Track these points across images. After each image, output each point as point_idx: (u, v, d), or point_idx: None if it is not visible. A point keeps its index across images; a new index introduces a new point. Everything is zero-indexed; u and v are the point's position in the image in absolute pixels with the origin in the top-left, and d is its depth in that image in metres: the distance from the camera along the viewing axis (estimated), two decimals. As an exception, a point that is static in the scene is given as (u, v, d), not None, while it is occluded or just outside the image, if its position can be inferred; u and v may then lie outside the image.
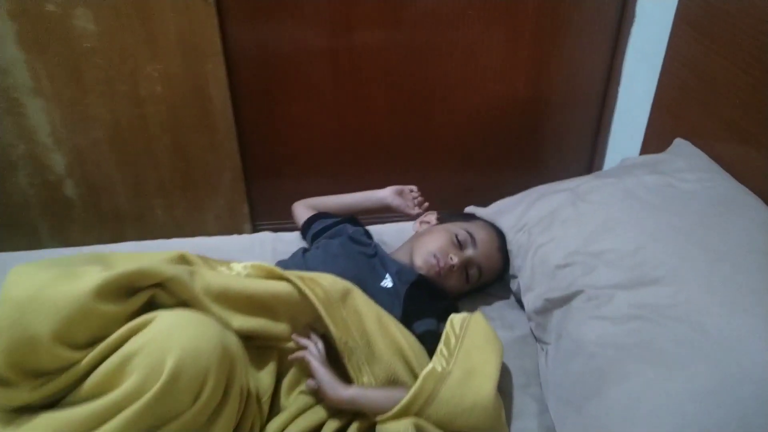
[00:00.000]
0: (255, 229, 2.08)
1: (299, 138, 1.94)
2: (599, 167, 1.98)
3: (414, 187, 1.43)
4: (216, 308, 0.88)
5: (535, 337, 1.14)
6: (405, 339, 1.00)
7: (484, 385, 0.93)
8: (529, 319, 1.15)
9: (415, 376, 0.96)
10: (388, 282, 1.17)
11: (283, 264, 1.20)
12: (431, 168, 2.04)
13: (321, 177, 2.01)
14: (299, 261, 1.19)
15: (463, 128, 1.96)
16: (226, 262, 1.03)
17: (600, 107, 1.94)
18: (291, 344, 0.97)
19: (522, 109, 1.93)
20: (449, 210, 1.39)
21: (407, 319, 1.09)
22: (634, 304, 0.93)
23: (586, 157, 2.05)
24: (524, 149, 2.03)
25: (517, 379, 1.06)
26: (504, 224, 1.28)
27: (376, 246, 1.26)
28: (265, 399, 0.93)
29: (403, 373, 0.97)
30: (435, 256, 1.18)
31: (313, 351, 0.95)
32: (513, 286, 1.24)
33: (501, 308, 1.25)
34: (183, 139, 1.85)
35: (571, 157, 2.06)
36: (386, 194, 1.40)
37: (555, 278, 1.10)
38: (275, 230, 2.04)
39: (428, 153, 2.01)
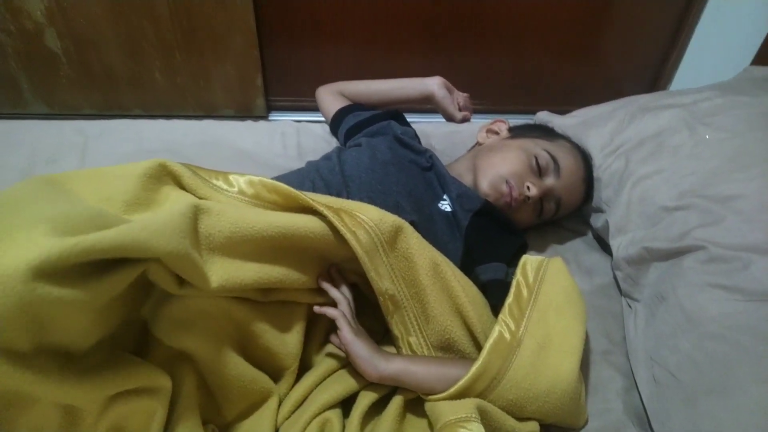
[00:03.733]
0: (269, 105, 1.81)
1: (325, -1, 1.60)
2: (678, 61, 1.64)
3: (466, 95, 1.16)
4: (221, 262, 0.63)
5: (620, 290, 0.94)
6: (465, 293, 0.78)
7: (565, 363, 0.73)
8: (616, 268, 0.93)
9: (476, 342, 0.77)
10: (446, 205, 0.94)
11: (314, 169, 0.95)
12: (479, 51, 1.72)
13: (347, 48, 1.69)
14: (335, 168, 0.94)
15: (520, 6, 1.61)
16: (223, 174, 0.77)
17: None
18: (317, 297, 0.76)
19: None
20: (521, 126, 1.11)
21: (469, 259, 0.88)
22: (781, 280, 0.71)
23: (662, 49, 1.72)
24: (588, 38, 1.69)
25: (596, 344, 0.86)
26: (591, 143, 1.02)
27: (432, 156, 1.00)
28: (292, 369, 0.74)
29: (461, 337, 0.77)
30: (508, 182, 0.93)
31: (345, 309, 0.74)
32: (596, 221, 1.01)
33: (576, 247, 1.03)
34: (187, -9, 1.51)
35: (644, 50, 1.73)
36: (434, 82, 1.12)
37: (661, 223, 0.87)
38: (292, 108, 1.78)
39: (476, 33, 1.68)
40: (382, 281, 0.72)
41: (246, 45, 1.65)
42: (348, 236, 0.69)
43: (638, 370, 0.81)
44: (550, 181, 0.96)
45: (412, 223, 0.87)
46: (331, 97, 1.18)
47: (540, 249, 1.02)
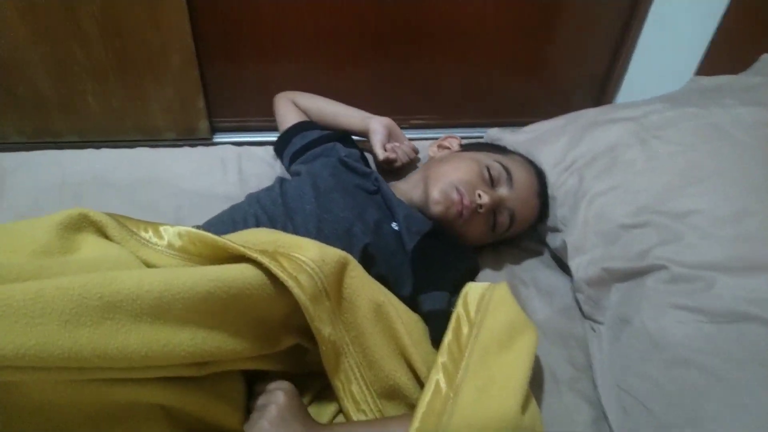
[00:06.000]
0: (213, 127, 1.73)
1: (267, 14, 1.53)
2: (623, 68, 1.64)
3: (411, 146, 1.13)
4: (150, 330, 0.53)
5: (582, 312, 0.90)
6: (409, 334, 0.72)
7: (505, 401, 0.66)
8: (577, 290, 0.90)
9: (420, 384, 0.71)
10: (395, 225, 0.89)
11: (255, 201, 0.89)
12: (426, 64, 1.68)
13: (292, 64, 1.63)
14: (277, 200, 0.88)
15: (468, 18, 1.59)
16: (153, 225, 0.68)
17: None
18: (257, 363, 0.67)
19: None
20: (472, 143, 1.07)
21: (415, 287, 0.83)
22: (745, 298, 0.69)
23: (607, 59, 1.73)
24: (535, 49, 1.68)
25: (560, 371, 0.82)
26: (544, 159, 0.99)
27: (378, 179, 0.95)
28: None
29: (406, 382, 0.71)
30: (458, 189, 0.89)
31: (279, 400, 0.65)
32: (553, 241, 0.98)
33: (534, 268, 0.99)
34: (115, 9, 1.42)
35: (591, 60, 1.73)
36: (378, 121, 1.09)
37: (619, 242, 0.84)
38: (238, 129, 1.70)
39: (423, 46, 1.64)
40: (325, 328, 0.66)
41: (184, 65, 1.56)
42: (290, 284, 0.61)
43: (607, 400, 0.77)
44: (503, 191, 0.92)
45: (366, 246, 0.82)
46: (286, 108, 1.16)
47: (496, 269, 0.98)
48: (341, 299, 0.69)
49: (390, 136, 1.09)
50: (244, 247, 0.63)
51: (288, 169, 1.06)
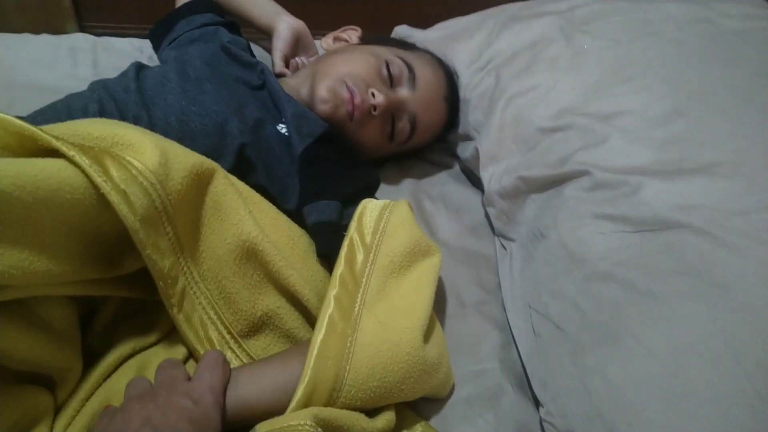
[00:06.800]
0: (83, 32, 1.47)
1: None
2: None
3: (309, 59, 0.93)
4: None
5: (492, 230, 0.80)
6: (282, 254, 0.59)
7: (409, 333, 0.55)
8: (488, 204, 0.79)
9: (300, 309, 0.60)
10: (284, 129, 0.74)
11: (102, 87, 0.71)
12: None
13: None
14: (130, 85, 0.70)
15: None
16: None
17: None
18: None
19: None
20: (376, 36, 0.92)
21: (301, 197, 0.70)
22: (673, 204, 0.60)
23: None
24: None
25: (467, 294, 0.72)
26: (457, 58, 0.87)
27: (264, 70, 0.79)
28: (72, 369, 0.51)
29: (275, 309, 0.59)
30: (348, 85, 0.75)
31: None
32: (464, 151, 0.86)
33: (442, 182, 0.87)
34: None
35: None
36: (287, 22, 0.90)
37: (538, 147, 0.73)
38: (115, 36, 1.47)
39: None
40: (162, 259, 0.50)
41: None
42: (112, 197, 0.45)
43: (516, 322, 0.68)
44: (402, 92, 0.79)
45: (241, 146, 0.67)
46: None
47: (399, 185, 0.86)
48: (197, 226, 0.54)
49: (297, 45, 0.92)
50: (58, 139, 0.46)
51: (160, 56, 0.88)
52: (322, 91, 0.75)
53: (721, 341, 0.51)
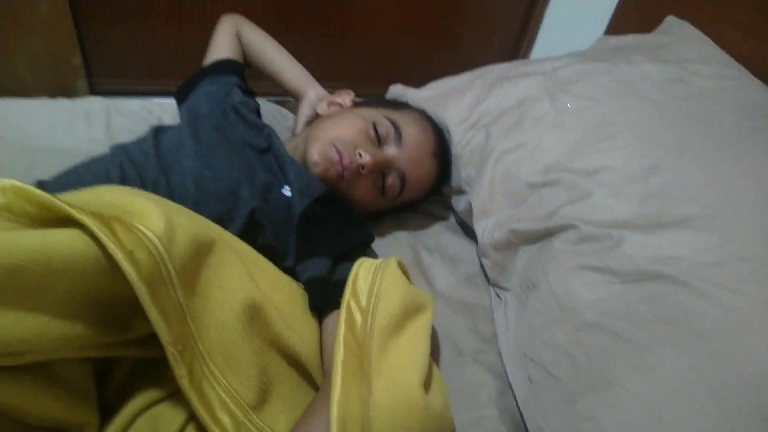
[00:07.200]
0: (93, 89, 1.53)
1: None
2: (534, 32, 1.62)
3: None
4: None
5: (488, 279, 0.84)
6: (284, 318, 0.62)
7: (411, 387, 0.58)
8: (483, 255, 0.83)
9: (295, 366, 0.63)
10: (288, 191, 0.78)
11: (123, 152, 0.75)
12: (332, 30, 1.57)
13: (184, 26, 1.47)
14: (149, 151, 0.75)
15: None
16: None
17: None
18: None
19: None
20: (369, 98, 0.98)
21: (297, 256, 0.74)
22: (653, 257, 0.64)
23: (518, 24, 1.69)
24: (445, 13, 1.62)
25: (465, 343, 0.75)
26: (449, 116, 0.92)
27: (270, 134, 0.84)
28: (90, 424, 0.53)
29: (275, 368, 0.61)
30: (337, 148, 0.79)
31: None
32: (458, 204, 0.91)
33: (439, 234, 0.91)
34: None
35: (499, 28, 1.69)
36: (316, 92, 0.97)
37: (527, 202, 0.78)
38: (123, 93, 1.52)
39: (329, 9, 1.54)
40: (171, 325, 0.52)
41: (55, 16, 1.36)
42: (118, 255, 0.48)
43: (512, 370, 0.71)
44: (390, 150, 0.83)
45: (253, 211, 0.71)
46: (224, 34, 1.02)
47: (398, 236, 0.90)
48: (200, 296, 0.57)
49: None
50: (70, 206, 0.50)
51: (180, 112, 0.93)
52: (314, 154, 0.80)
53: (702, 386, 0.55)
